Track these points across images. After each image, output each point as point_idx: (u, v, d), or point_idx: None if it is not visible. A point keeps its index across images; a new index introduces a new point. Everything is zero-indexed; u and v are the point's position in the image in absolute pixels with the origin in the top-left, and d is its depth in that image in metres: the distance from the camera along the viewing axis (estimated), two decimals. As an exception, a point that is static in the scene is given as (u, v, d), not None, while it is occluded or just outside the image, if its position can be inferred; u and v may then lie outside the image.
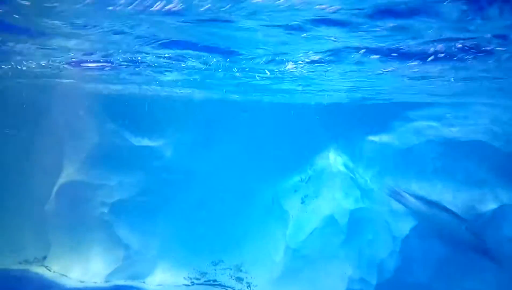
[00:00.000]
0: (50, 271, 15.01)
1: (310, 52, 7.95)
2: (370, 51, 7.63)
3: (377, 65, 8.74)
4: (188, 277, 14.99)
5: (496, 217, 12.19)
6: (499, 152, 12.44)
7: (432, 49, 7.25)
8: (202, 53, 8.65)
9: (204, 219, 15.32)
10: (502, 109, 13.08)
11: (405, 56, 7.77)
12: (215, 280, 14.99)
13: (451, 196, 12.68)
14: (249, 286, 14.58)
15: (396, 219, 12.86)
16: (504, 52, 7.29)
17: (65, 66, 10.94)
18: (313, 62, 8.78)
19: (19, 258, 15.48)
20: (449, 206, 12.40)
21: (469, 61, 7.93)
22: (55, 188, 15.09)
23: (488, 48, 7.06)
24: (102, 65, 10.62)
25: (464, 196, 12.56)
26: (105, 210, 14.67)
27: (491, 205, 12.20)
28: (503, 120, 12.90)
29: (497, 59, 7.72)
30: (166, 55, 8.96)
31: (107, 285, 14.46)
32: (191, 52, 8.54)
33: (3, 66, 11.55)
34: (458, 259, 12.70)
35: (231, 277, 15.01)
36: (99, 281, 14.53)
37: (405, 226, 12.69)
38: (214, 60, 9.18)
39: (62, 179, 15.00)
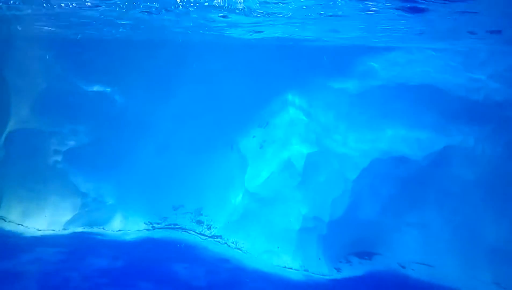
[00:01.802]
0: (5, 221, 14.74)
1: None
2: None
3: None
4: (148, 222, 15.24)
5: (444, 156, 13.03)
6: (448, 96, 13.03)
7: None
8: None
9: (163, 165, 15.35)
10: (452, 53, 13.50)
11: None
12: (176, 224, 15.35)
13: (400, 139, 13.33)
14: (210, 228, 15.07)
15: (348, 161, 13.45)
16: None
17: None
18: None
19: (-30, 210, 15.05)
20: (399, 148, 13.13)
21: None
22: (3, 138, 14.43)
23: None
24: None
25: (414, 138, 13.25)
26: (59, 158, 14.29)
27: (440, 146, 12.98)
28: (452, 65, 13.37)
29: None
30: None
31: (65, 232, 14.46)
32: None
33: None
34: (405, 196, 13.67)
35: (192, 221, 15.42)
36: (57, 229, 14.49)
37: (355, 168, 13.33)
38: None
39: (11, 127, 14.29)
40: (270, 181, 13.94)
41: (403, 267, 13.41)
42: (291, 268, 13.06)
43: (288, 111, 14.32)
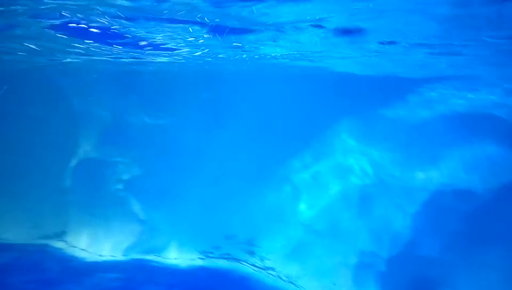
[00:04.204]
0: (69, 246, 15.56)
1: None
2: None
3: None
4: (202, 251, 15.42)
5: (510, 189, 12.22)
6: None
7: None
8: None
9: (217, 195, 15.61)
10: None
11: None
12: (228, 254, 15.39)
13: (463, 171, 12.70)
14: (262, 259, 14.94)
15: (406, 194, 12.95)
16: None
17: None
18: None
19: (39, 233, 16.03)
20: (462, 180, 12.48)
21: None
22: (71, 166, 15.47)
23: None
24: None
25: (478, 170, 12.56)
26: (121, 187, 15.05)
27: (505, 178, 12.21)
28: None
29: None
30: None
31: (124, 259, 14.99)
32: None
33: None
34: (470, 232, 12.83)
35: (244, 251, 15.38)
36: (117, 256, 15.07)
37: (415, 201, 12.79)
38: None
39: (78, 156, 15.35)
40: (324, 213, 13.71)
41: (470, 310, 12.44)
42: (347, 305, 12.58)
43: (342, 141, 14.17)
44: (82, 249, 15.23)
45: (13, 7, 7.35)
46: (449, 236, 12.89)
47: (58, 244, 15.63)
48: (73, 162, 15.57)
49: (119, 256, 14.99)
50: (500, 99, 12.84)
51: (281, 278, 14.01)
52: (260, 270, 14.59)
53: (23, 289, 12.85)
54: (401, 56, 10.88)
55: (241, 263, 15.01)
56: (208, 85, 15.68)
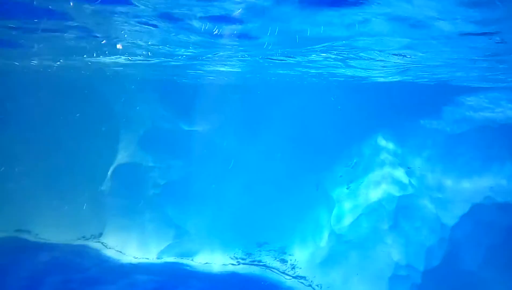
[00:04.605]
0: (106, 247, 16.03)
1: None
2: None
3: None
4: (234, 257, 15.54)
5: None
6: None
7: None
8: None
9: (250, 202, 15.75)
10: None
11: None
12: (260, 261, 15.44)
13: (506, 182, 12.31)
14: (293, 267, 14.90)
15: (445, 206, 12.66)
16: None
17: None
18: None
19: (77, 235, 16.62)
20: (504, 194, 12.09)
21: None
22: (111, 170, 16.02)
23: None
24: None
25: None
26: (157, 191, 15.45)
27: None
28: None
29: None
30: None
31: (158, 261, 15.30)
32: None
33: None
34: (508, 247, 12.39)
35: (276, 259, 15.40)
36: (151, 258, 15.39)
37: (453, 214, 12.48)
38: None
39: (118, 161, 15.89)
40: (358, 224, 13.55)
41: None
42: (381, 318, 12.33)
43: (378, 151, 14.05)
44: (118, 251, 15.65)
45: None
46: (488, 250, 12.47)
47: (96, 245, 16.14)
48: (113, 166, 16.10)
49: (153, 259, 15.32)
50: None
51: (313, 288, 13.90)
52: (291, 278, 14.54)
53: (61, 288, 13.33)
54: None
55: (272, 271, 15.01)
56: (243, 94, 15.95)
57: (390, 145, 13.90)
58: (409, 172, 13.34)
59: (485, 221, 12.39)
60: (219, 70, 13.10)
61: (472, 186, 12.51)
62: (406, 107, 13.95)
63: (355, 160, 14.59)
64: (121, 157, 15.83)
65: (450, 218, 12.46)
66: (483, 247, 12.63)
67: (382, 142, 14.04)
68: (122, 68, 13.28)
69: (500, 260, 12.53)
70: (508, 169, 12.38)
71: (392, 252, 12.81)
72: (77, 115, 15.78)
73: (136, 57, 11.22)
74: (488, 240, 12.60)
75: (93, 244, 16.15)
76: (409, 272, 12.51)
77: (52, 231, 16.23)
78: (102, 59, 11.62)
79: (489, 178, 12.52)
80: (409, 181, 13.16)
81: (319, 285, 13.88)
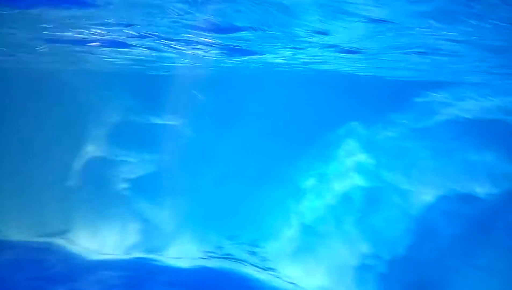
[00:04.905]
0: (72, 243, 15.65)
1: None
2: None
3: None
4: (204, 250, 15.48)
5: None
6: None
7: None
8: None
9: (220, 195, 15.69)
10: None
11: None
12: (230, 254, 15.45)
13: (468, 176, 12.74)
14: (264, 260, 15.00)
15: (410, 197, 13.00)
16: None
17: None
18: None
19: (42, 231, 16.13)
20: (466, 185, 12.52)
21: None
22: (77, 165, 15.59)
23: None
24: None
25: (482, 176, 12.61)
26: (126, 185, 15.15)
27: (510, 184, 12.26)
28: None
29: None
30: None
31: (127, 257, 15.05)
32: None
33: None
34: (471, 236, 12.87)
35: (246, 252, 15.45)
36: (119, 254, 15.13)
37: (418, 205, 12.84)
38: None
39: (85, 155, 15.47)
40: (327, 215, 13.77)
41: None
42: (348, 307, 12.61)
43: (347, 145, 14.25)
44: (85, 247, 15.31)
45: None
46: (451, 240, 12.92)
47: (61, 242, 15.73)
48: (79, 161, 15.67)
49: (121, 255, 15.06)
50: (506, 105, 12.90)
51: (282, 279, 14.05)
52: (261, 270, 14.63)
53: (26, 286, 12.93)
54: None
55: (242, 264, 15.06)
56: (214, 87, 15.79)
57: (358, 138, 14.12)
58: (377, 165, 13.61)
59: (449, 211, 12.80)
60: (191, 61, 12.93)
61: (437, 178, 12.88)
62: (374, 101, 14.18)
63: (324, 154, 14.76)
64: (89, 152, 15.42)
65: (415, 209, 12.81)
66: (447, 237, 13.07)
67: (350, 134, 14.26)
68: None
69: (462, 249, 13.01)
70: (471, 161, 12.80)
71: (359, 242, 13.09)
72: (43, 109, 15.26)
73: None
74: (451, 230, 13.03)
75: (59, 241, 15.72)
76: (375, 261, 12.83)
77: (15, 228, 15.70)
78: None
79: (453, 170, 12.91)
80: (376, 173, 13.43)
81: (288, 276, 14.03)
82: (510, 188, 12.33)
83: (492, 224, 12.72)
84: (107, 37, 9.80)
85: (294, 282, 13.77)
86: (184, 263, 14.96)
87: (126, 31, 9.14)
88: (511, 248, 12.57)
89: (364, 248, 12.97)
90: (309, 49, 10.18)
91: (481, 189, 12.49)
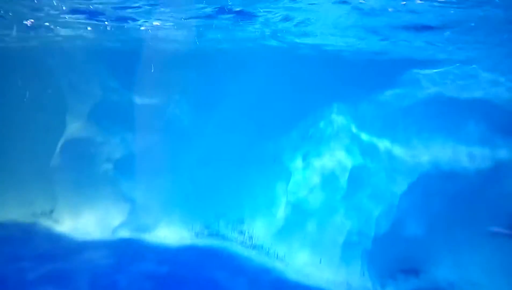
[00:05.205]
0: (57, 224, 15.52)
1: None
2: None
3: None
4: (192, 229, 15.54)
5: (495, 173, 12.50)
6: (501, 111, 12.54)
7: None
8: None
9: (207, 175, 15.67)
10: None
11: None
12: (218, 233, 15.55)
13: (450, 154, 12.92)
14: (251, 238, 15.14)
15: (394, 176, 13.17)
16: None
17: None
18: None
19: (27, 212, 15.94)
20: (448, 163, 12.70)
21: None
22: (60, 145, 15.32)
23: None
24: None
25: (464, 153, 12.80)
26: (110, 166, 14.98)
27: (491, 162, 12.47)
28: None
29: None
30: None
31: (113, 237, 15.01)
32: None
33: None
34: (453, 213, 13.16)
35: (234, 230, 15.57)
36: (106, 234, 15.07)
37: (402, 183, 13.03)
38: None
39: (67, 135, 15.19)
40: (313, 194, 13.88)
41: (452, 285, 12.86)
42: (333, 282, 12.85)
43: (332, 123, 14.27)
44: (71, 228, 15.20)
45: None
46: (433, 217, 13.20)
47: (47, 223, 15.58)
48: (62, 140, 15.39)
49: (108, 235, 15.00)
50: (489, 84, 13.01)
51: (270, 256, 14.22)
52: (249, 248, 14.78)
53: (12, 268, 12.83)
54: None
55: (230, 242, 15.18)
56: (199, 64, 15.52)
57: (344, 117, 14.14)
58: (361, 144, 13.69)
59: (431, 189, 13.04)
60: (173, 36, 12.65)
61: (420, 156, 13.04)
62: (358, 80, 14.16)
63: (310, 132, 14.77)
64: (71, 132, 15.13)
65: (398, 186, 13.00)
66: (429, 214, 13.34)
67: (336, 113, 14.26)
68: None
69: (444, 226, 13.31)
70: (452, 140, 12.97)
71: (344, 219, 13.28)
72: (23, 89, 14.83)
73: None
74: (434, 207, 13.30)
75: (44, 222, 15.58)
76: (360, 238, 13.07)
77: (-1, 209, 15.48)
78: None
79: (436, 149, 13.07)
80: (361, 151, 13.53)
81: (275, 254, 14.21)
82: (494, 165, 12.56)
83: (476, 201, 13.01)
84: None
85: (282, 259, 13.96)
86: (172, 242, 15.00)
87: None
88: (492, 224, 12.92)
89: (350, 225, 13.17)
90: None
91: (466, 166, 12.71)
